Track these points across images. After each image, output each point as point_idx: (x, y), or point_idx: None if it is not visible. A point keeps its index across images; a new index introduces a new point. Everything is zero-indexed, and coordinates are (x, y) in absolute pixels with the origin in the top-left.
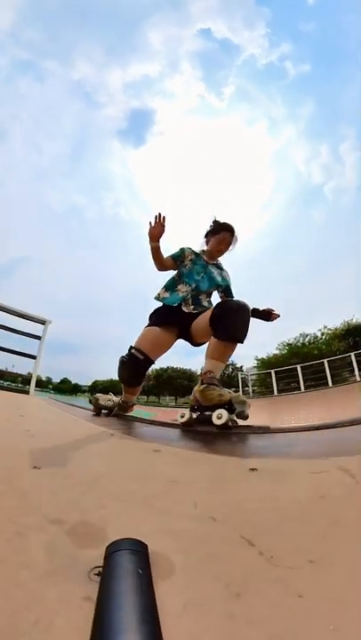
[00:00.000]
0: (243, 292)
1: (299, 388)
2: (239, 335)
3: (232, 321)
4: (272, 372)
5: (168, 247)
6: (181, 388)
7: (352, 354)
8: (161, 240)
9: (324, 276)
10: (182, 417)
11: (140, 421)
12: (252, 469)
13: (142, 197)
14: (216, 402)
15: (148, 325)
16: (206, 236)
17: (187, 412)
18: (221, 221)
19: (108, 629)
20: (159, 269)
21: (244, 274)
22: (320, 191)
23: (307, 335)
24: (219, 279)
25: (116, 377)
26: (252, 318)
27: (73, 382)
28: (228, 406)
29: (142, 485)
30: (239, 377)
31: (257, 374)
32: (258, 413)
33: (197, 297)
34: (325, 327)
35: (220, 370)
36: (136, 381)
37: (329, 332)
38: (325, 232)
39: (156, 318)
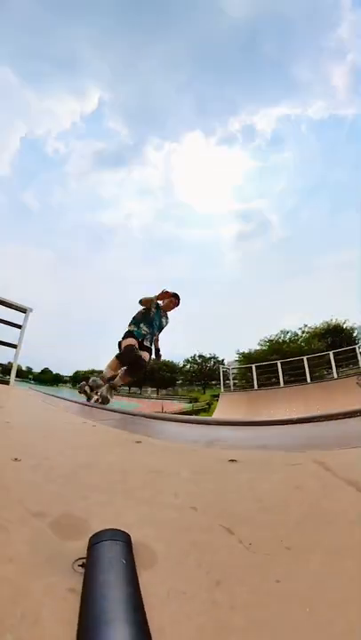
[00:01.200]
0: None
1: (278, 383)
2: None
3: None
4: (253, 366)
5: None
6: (163, 380)
7: (331, 352)
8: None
9: (307, 277)
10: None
11: (122, 413)
12: (232, 460)
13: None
14: None
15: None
16: (163, 292)
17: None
18: (175, 292)
19: (94, 619)
20: (142, 305)
21: (241, 269)
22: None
23: (288, 332)
24: (163, 325)
25: (97, 367)
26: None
27: (54, 372)
28: None
29: (124, 476)
30: (221, 370)
31: (238, 368)
32: (238, 406)
33: (151, 336)
34: (306, 326)
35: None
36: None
37: (309, 330)
38: (314, 229)
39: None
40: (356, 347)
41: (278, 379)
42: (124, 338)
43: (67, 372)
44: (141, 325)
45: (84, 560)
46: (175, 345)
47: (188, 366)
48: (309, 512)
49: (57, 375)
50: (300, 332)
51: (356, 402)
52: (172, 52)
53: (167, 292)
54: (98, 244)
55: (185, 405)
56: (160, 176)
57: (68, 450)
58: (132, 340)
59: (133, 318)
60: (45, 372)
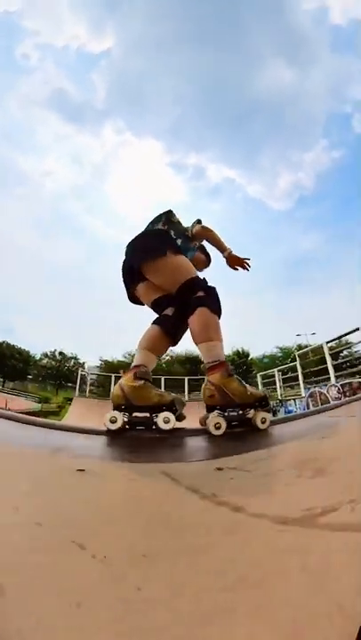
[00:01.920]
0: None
1: None
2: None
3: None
4: (113, 376)
5: None
6: (13, 370)
7: (186, 378)
8: None
9: None
10: (114, 421)
11: None
12: (80, 470)
13: None
14: (155, 402)
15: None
16: None
17: (118, 414)
18: None
19: None
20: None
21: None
22: None
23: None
24: None
25: None
26: None
27: None
28: (169, 408)
29: None
30: (79, 373)
31: (98, 374)
32: (91, 415)
33: None
34: (171, 350)
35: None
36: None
37: (173, 355)
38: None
39: None
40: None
41: None
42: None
43: None
44: None
45: None
46: (32, 332)
47: (45, 361)
48: (160, 519)
49: None
50: (163, 355)
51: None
52: (200, 64)
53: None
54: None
55: (33, 405)
56: (100, 157)
57: None
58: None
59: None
60: None
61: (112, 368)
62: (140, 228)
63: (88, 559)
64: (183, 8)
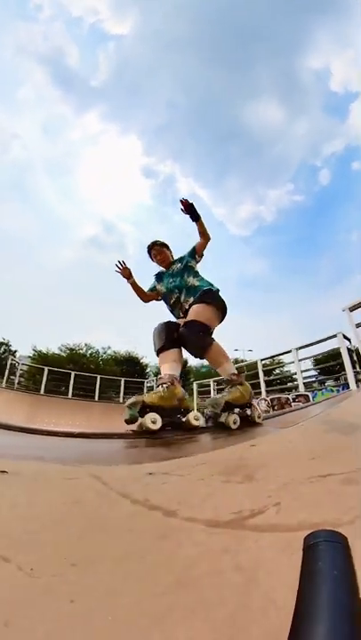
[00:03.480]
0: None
1: (67, 394)
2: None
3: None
4: (46, 368)
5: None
6: None
7: (122, 379)
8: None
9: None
10: (235, 422)
11: None
12: (2, 472)
13: None
14: (248, 400)
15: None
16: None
17: (236, 416)
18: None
19: None
20: (145, 302)
21: (78, 269)
22: None
23: (91, 347)
24: (180, 267)
25: None
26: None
27: None
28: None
29: None
30: (9, 362)
31: (29, 366)
32: (18, 409)
33: (178, 299)
34: (109, 347)
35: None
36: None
37: (112, 354)
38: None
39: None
40: (145, 381)
41: (68, 389)
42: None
43: None
44: (172, 305)
45: None
46: None
47: None
48: (90, 525)
49: None
50: (101, 351)
51: (133, 426)
52: (202, 75)
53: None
54: None
55: None
56: (76, 137)
57: None
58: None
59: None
60: None
61: (46, 360)
62: (97, 216)
63: (14, 572)
64: (204, 20)
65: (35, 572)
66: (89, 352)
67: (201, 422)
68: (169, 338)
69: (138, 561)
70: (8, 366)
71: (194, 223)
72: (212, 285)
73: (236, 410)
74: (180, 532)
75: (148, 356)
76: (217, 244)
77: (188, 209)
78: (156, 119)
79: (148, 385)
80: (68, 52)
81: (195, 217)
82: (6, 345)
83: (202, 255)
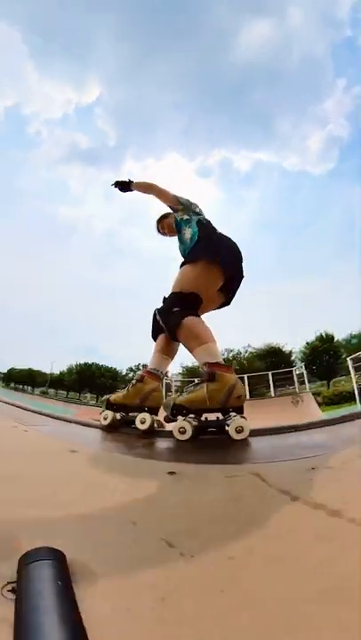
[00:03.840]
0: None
1: None
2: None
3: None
4: (195, 380)
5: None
6: (104, 387)
7: (270, 372)
8: None
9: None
10: (182, 432)
11: (58, 418)
12: (171, 473)
13: None
14: (217, 405)
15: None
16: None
17: (187, 424)
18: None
19: None
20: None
21: None
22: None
23: (232, 350)
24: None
25: (35, 366)
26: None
27: None
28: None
29: (57, 489)
30: (163, 382)
31: (181, 381)
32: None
33: None
34: (250, 346)
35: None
36: None
37: (253, 351)
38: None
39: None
40: (293, 369)
41: None
42: None
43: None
44: None
45: (14, 584)
46: (117, 351)
47: (130, 375)
48: (248, 522)
49: None
50: (243, 351)
51: (290, 419)
52: (180, 69)
53: None
54: (52, 237)
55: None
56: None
57: None
58: None
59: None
60: None
61: (194, 373)
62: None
63: (176, 557)
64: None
65: (194, 559)
66: (230, 355)
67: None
68: (154, 326)
69: (292, 563)
70: (163, 385)
71: (130, 192)
72: (198, 231)
73: (191, 416)
74: (344, 535)
75: (289, 343)
76: (305, 195)
77: (119, 187)
78: (176, 126)
79: (298, 372)
80: (78, 140)
81: (124, 188)
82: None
83: (173, 205)
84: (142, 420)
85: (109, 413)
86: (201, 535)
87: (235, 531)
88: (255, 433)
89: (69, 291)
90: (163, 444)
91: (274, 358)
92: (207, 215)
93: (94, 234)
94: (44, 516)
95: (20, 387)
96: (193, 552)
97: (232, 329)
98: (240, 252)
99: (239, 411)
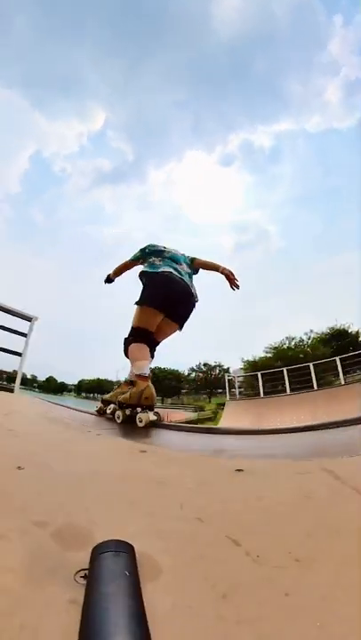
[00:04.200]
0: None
1: (284, 391)
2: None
3: None
4: (258, 374)
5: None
6: (169, 389)
7: (337, 358)
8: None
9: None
10: (118, 417)
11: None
12: (238, 470)
13: None
14: (135, 402)
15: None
16: None
17: (121, 413)
18: None
19: (96, 633)
20: None
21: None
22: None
23: (293, 339)
24: None
25: (102, 376)
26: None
27: (59, 381)
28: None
29: (128, 486)
30: (226, 379)
31: (243, 376)
32: (244, 414)
33: None
34: (312, 331)
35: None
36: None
37: (316, 336)
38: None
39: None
40: None
41: (284, 386)
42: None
43: (71, 380)
44: None
45: (86, 571)
46: (180, 353)
47: (193, 375)
48: (319, 522)
49: (62, 384)
50: (305, 338)
51: None
52: (169, 68)
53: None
54: (100, 257)
55: (190, 414)
56: (160, 191)
57: (72, 459)
58: None
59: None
60: (50, 380)
61: (256, 366)
62: (225, 227)
63: (241, 555)
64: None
65: (260, 559)
66: (292, 343)
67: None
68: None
69: None
70: (227, 382)
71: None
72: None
73: (128, 410)
74: None
75: (356, 323)
76: (342, 153)
77: (106, 282)
78: (186, 123)
79: None
80: (100, 165)
81: (108, 281)
82: (220, 366)
83: (135, 265)
84: (140, 419)
85: (121, 412)
86: (267, 535)
87: (303, 532)
88: (326, 426)
89: (125, 300)
90: (227, 441)
91: (340, 341)
92: (239, 203)
93: (137, 243)
94: (116, 511)
95: (91, 395)
96: (258, 552)
97: (293, 317)
98: (179, 287)
99: (151, 407)
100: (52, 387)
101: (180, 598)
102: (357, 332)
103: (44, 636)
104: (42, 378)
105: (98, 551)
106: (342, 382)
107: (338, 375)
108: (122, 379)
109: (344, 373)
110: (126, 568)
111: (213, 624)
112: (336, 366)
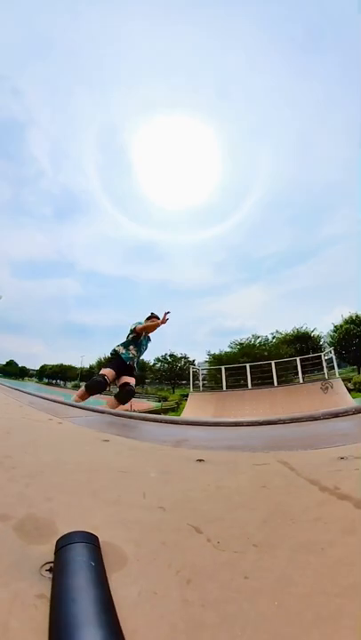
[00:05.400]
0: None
1: (246, 385)
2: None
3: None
4: (222, 368)
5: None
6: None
7: (298, 358)
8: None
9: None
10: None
11: (89, 410)
12: (200, 460)
13: None
14: None
15: (108, 367)
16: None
17: None
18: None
19: (66, 625)
20: (136, 333)
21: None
22: None
23: (258, 337)
24: (146, 348)
25: (65, 362)
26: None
27: (20, 365)
28: None
29: (91, 476)
30: (191, 370)
31: (208, 369)
32: (207, 406)
33: (137, 359)
34: (277, 331)
35: None
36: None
37: (280, 336)
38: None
39: (113, 365)
40: (322, 354)
41: (247, 381)
42: (107, 362)
43: (33, 365)
44: (130, 348)
45: (52, 564)
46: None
47: (158, 365)
48: (275, 510)
49: (22, 368)
50: (270, 337)
51: (319, 406)
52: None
53: (156, 321)
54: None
55: (154, 404)
56: (165, 211)
57: (32, 448)
58: (107, 371)
59: (126, 339)
60: (10, 364)
61: (221, 360)
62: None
63: (203, 542)
64: None
65: (220, 545)
66: (257, 342)
67: None
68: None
69: (318, 553)
70: (191, 374)
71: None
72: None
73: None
74: None
75: (318, 327)
76: None
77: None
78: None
79: (326, 358)
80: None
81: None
82: (185, 358)
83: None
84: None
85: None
86: (227, 522)
87: (260, 519)
88: (283, 421)
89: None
90: (189, 432)
91: (303, 343)
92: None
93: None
94: (79, 502)
95: (54, 381)
96: (219, 538)
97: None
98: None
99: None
100: (11, 371)
101: (146, 585)
102: (318, 337)
103: (14, 633)
104: (1, 362)
105: (62, 543)
106: (301, 381)
107: (298, 374)
108: (86, 366)
109: (303, 373)
110: (92, 559)
111: (179, 608)
112: (296, 366)
